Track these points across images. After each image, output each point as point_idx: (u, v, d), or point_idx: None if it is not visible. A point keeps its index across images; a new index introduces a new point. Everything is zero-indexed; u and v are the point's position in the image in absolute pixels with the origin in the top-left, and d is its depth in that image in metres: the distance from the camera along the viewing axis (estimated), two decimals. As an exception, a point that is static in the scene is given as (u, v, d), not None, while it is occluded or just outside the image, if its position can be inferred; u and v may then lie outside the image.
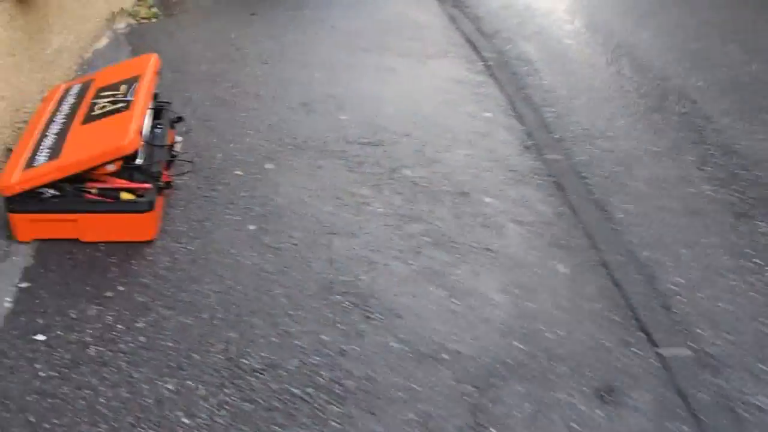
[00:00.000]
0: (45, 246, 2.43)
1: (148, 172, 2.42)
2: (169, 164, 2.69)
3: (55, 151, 2.35)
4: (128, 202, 2.36)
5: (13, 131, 2.70)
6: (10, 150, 2.67)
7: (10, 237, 2.43)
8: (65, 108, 2.62)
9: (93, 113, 2.51)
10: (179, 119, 2.90)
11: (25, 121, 2.81)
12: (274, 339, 2.17)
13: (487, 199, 2.86)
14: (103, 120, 2.45)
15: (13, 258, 2.38)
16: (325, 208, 2.75)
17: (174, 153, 2.69)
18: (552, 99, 3.78)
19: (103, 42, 3.90)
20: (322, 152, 3.10)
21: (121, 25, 4.22)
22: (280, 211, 2.71)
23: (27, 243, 2.42)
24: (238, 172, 2.91)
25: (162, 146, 2.60)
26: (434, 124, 3.39)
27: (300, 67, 3.85)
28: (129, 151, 2.29)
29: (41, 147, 2.39)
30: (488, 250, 2.60)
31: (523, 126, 3.44)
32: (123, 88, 2.62)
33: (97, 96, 2.62)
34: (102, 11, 3.94)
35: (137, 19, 4.42)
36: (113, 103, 2.53)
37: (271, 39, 4.20)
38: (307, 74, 3.77)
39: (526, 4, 5.14)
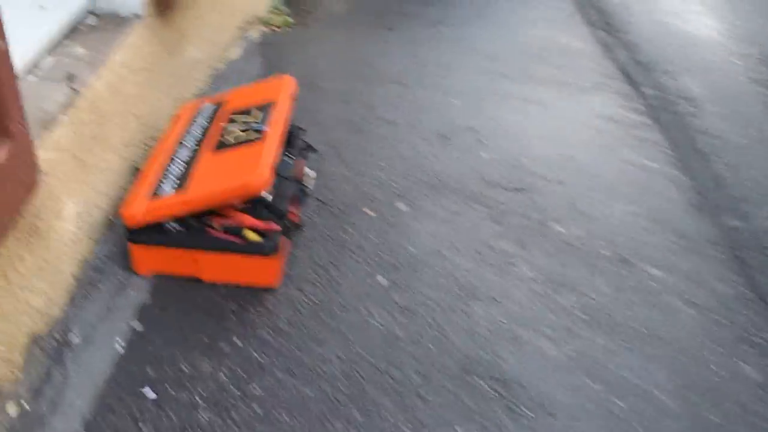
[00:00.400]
0: (163, 282, 2.24)
1: (275, 210, 2.18)
2: (297, 200, 2.43)
3: (182, 181, 2.14)
4: (253, 243, 2.13)
5: (142, 150, 2.54)
6: (137, 169, 2.51)
7: (129, 268, 2.24)
8: (196, 131, 2.42)
9: (224, 141, 2.29)
10: (310, 148, 2.64)
11: (155, 139, 2.65)
12: (402, 426, 1.87)
13: (653, 271, 2.45)
14: (235, 150, 2.23)
15: (130, 292, 2.20)
16: (464, 264, 2.43)
17: (304, 188, 2.43)
18: (723, 147, 3.29)
19: (236, 52, 3.73)
20: (460, 195, 2.78)
21: (254, 33, 4.05)
22: (414, 264, 2.41)
23: (145, 277, 2.23)
24: (369, 212, 2.64)
25: (292, 180, 2.35)
26: (587, 171, 2.99)
27: (437, 91, 3.55)
28: (259, 191, 2.06)
29: (168, 174, 2.20)
30: (656, 336, 2.20)
31: (692, 180, 2.98)
32: (257, 114, 2.40)
33: (230, 120, 2.41)
34: (237, 20, 3.77)
35: (270, 26, 4.24)
36: (246, 131, 2.31)
37: (407, 57, 3.90)
38: (445, 100, 3.46)
39: (686, 30, 4.61)
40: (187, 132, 2.43)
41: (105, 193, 2.26)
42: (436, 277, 2.36)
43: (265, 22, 4.25)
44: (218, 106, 2.57)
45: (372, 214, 2.63)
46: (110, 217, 2.31)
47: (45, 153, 1.82)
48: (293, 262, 2.35)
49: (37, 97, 1.94)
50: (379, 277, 2.34)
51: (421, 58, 3.90)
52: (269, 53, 3.85)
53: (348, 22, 4.43)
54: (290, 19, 4.35)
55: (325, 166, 2.83)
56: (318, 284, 2.28)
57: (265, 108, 2.43)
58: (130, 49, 2.37)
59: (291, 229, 2.24)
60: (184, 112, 2.61)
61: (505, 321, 2.22)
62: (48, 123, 1.89)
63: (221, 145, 2.27)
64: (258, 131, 2.28)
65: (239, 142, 2.26)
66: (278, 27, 4.27)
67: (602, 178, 2.96)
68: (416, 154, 3.00)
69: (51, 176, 1.88)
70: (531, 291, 2.34)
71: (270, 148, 2.18)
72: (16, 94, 1.46)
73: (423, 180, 2.84)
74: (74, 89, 2.06)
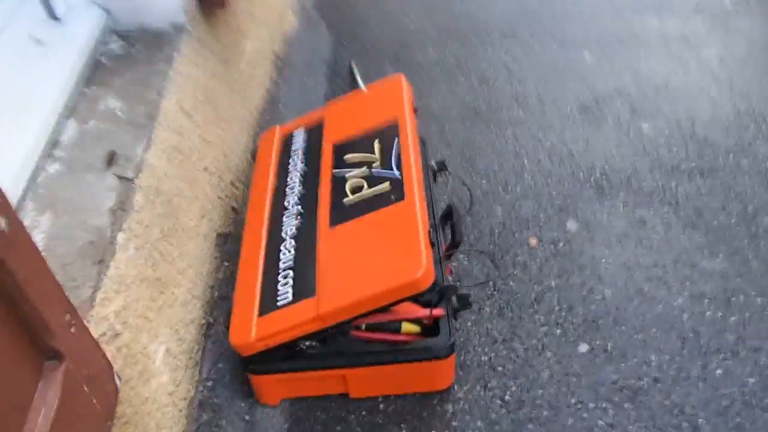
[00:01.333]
0: (301, 408, 1.68)
1: (443, 290, 1.57)
2: (449, 254, 1.80)
3: (303, 280, 1.54)
4: (420, 348, 1.54)
5: (223, 211, 1.93)
6: (226, 235, 1.92)
7: (252, 397, 1.67)
8: (295, 184, 1.80)
9: (345, 203, 1.66)
10: (442, 168, 2.00)
11: (235, 188, 2.04)
12: None
13: None
14: (366, 219, 1.60)
15: None
16: (679, 302, 1.83)
17: (455, 234, 1.77)
18: None
19: (293, 24, 3.02)
20: (637, 194, 2.13)
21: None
22: (615, 314, 1.82)
23: (276, 406, 1.67)
24: (532, 241, 2.01)
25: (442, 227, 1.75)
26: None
27: (557, 43, 2.82)
28: (425, 288, 1.43)
29: (280, 269, 1.59)
30: None
31: None
32: (377, 147, 1.76)
33: (340, 163, 1.77)
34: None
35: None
36: (370, 180, 1.68)
37: (505, -2, 3.13)
38: (573, 56, 2.74)
39: None
40: (285, 188, 1.81)
41: (198, 297, 1.68)
42: (650, 330, 1.76)
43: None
44: (315, 133, 1.94)
45: (537, 244, 2.00)
46: (209, 320, 1.74)
47: (108, 308, 1.23)
48: (460, 339, 1.77)
49: (73, 214, 1.34)
50: (580, 345, 1.74)
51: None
52: (331, 15, 3.11)
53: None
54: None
55: (456, 181, 2.19)
56: (505, 371, 1.71)
57: (385, 133, 1.79)
58: (182, 81, 1.74)
59: (461, 308, 1.63)
60: (266, 146, 1.98)
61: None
62: (102, 257, 1.28)
63: (343, 212, 1.65)
64: (389, 178, 1.65)
65: (368, 203, 1.64)
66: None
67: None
68: (563, 142, 2.34)
69: (126, 333, 1.29)
70: (783, 334, 1.72)
71: (418, 209, 1.55)
72: (53, 293, 0.87)
73: (586, 180, 2.20)
74: (123, 177, 1.45)
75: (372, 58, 2.76)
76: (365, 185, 1.69)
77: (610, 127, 2.37)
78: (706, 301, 1.82)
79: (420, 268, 1.42)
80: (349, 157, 1.79)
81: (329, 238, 1.60)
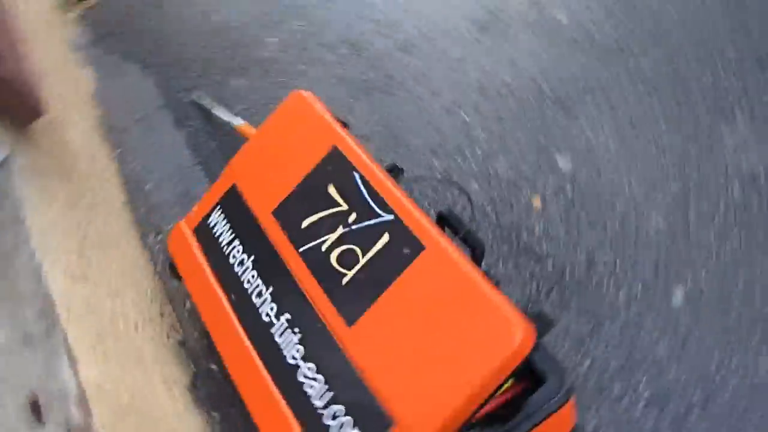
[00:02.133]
0: None
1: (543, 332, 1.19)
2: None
3: (365, 415, 1.13)
4: (536, 405, 1.18)
5: (175, 355, 1.43)
6: (193, 379, 1.43)
7: None
8: (257, 286, 1.32)
9: (344, 285, 1.21)
10: (397, 171, 1.58)
11: (163, 316, 1.52)
12: None
13: None
14: (389, 295, 1.16)
15: None
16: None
17: (478, 248, 1.37)
18: None
19: (94, 83, 2.37)
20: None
21: (78, 25, 2.59)
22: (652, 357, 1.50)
23: None
24: (536, 202, 1.66)
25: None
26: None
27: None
28: (531, 348, 1.04)
29: (319, 409, 1.17)
30: None
31: None
32: (334, 193, 1.30)
33: (298, 234, 1.31)
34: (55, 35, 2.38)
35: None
36: (357, 241, 1.23)
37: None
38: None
39: None
40: (246, 297, 1.33)
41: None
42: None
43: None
44: (238, 211, 1.43)
45: (540, 203, 1.65)
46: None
47: None
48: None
49: None
50: (675, 291, 1.42)
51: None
52: (121, 46, 2.47)
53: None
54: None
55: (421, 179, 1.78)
56: (618, 369, 1.35)
57: (332, 173, 1.33)
58: (47, 242, 1.20)
59: (545, 331, 1.24)
60: (185, 252, 1.47)
61: None
62: None
63: (351, 299, 1.21)
64: (383, 228, 1.21)
65: (378, 273, 1.19)
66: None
67: None
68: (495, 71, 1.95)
69: None
70: None
71: (452, 252, 1.13)
72: None
73: (543, 97, 1.84)
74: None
75: (207, 77, 2.21)
76: (356, 250, 1.24)
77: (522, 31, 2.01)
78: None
79: (515, 328, 1.02)
80: (308, 221, 1.32)
81: (359, 344, 1.16)
